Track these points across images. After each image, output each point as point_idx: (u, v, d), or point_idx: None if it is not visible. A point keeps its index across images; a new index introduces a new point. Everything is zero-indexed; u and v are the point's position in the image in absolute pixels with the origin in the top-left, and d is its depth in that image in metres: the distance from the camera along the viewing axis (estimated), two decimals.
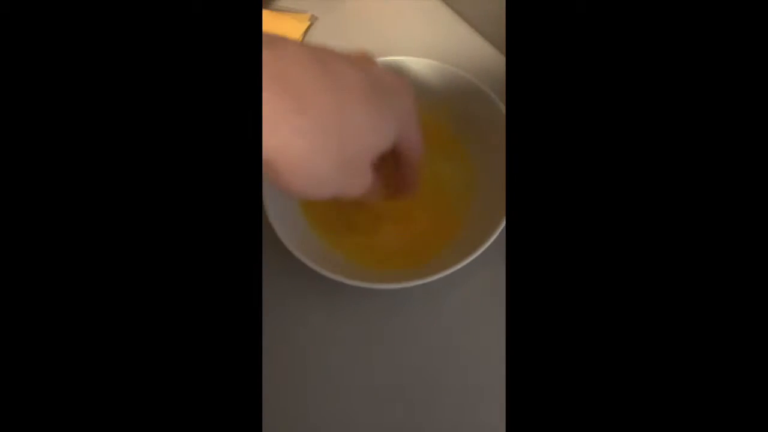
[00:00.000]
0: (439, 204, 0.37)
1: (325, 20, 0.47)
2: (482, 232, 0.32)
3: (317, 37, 0.46)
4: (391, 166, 0.30)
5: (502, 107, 0.35)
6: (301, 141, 0.22)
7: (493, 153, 0.36)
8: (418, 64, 0.37)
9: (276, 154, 0.21)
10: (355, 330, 0.34)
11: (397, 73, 0.27)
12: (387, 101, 0.25)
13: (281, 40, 0.22)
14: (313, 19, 0.47)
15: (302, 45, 0.23)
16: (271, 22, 0.46)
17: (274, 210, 0.33)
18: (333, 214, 0.36)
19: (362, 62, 0.25)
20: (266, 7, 0.48)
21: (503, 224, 0.32)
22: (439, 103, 0.38)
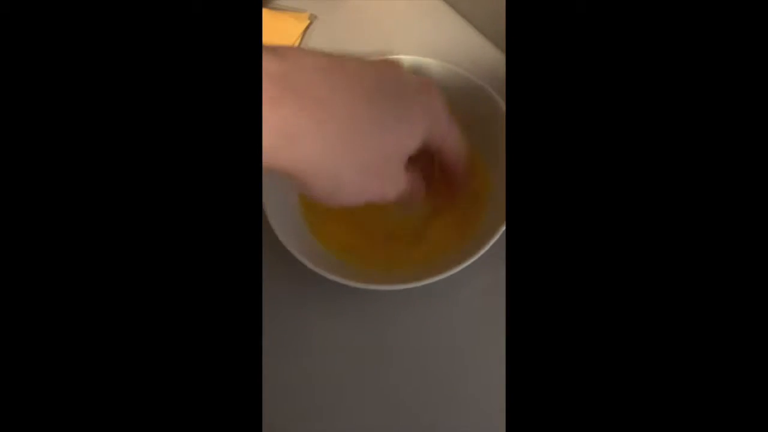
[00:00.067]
0: (440, 204, 0.37)
1: (324, 19, 0.47)
2: (483, 232, 0.32)
3: (317, 37, 0.46)
4: (431, 168, 0.29)
5: (503, 105, 0.35)
6: (322, 150, 0.21)
7: (494, 152, 0.36)
8: (418, 63, 0.37)
9: (301, 165, 0.21)
10: (355, 331, 0.34)
11: (420, 74, 0.27)
12: (410, 101, 0.25)
13: (295, 51, 0.22)
14: (312, 18, 0.47)
15: (318, 52, 0.23)
16: (270, 21, 0.46)
17: (274, 211, 0.33)
18: (333, 216, 0.36)
19: (384, 65, 0.25)
20: (265, 6, 0.48)
21: (504, 225, 0.32)
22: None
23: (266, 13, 0.46)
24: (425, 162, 0.28)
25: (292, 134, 0.20)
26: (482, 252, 0.31)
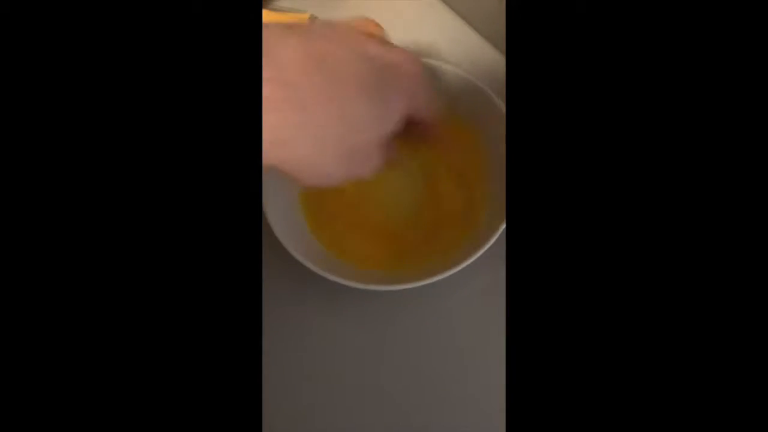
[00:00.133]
0: (440, 205, 0.37)
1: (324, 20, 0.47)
2: (483, 232, 0.32)
3: None
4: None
5: (502, 107, 0.35)
6: (302, 137, 0.22)
7: (493, 153, 0.36)
8: None
9: (278, 150, 0.21)
10: (355, 331, 0.34)
11: (404, 49, 0.26)
12: (390, 84, 0.25)
13: (278, 35, 0.21)
14: (312, 19, 0.47)
15: (299, 36, 0.22)
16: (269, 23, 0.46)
17: (274, 211, 0.33)
18: (333, 216, 0.36)
19: (363, 44, 0.24)
20: (265, 7, 0.48)
21: (503, 225, 0.32)
22: (438, 102, 0.38)
23: (266, 14, 0.46)
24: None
25: (268, 117, 0.20)
26: (482, 252, 0.31)
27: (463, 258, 0.31)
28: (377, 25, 0.26)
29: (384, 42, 0.26)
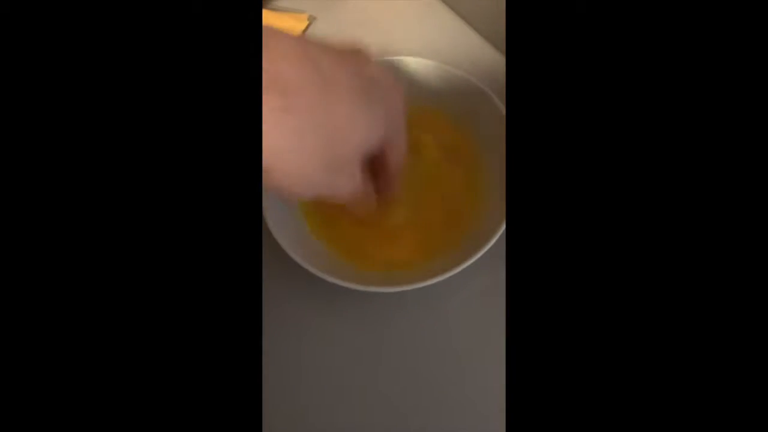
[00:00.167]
0: (440, 206, 0.37)
1: (323, 20, 0.47)
2: (483, 234, 0.32)
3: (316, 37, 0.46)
4: (370, 171, 0.29)
5: (502, 107, 0.35)
6: (289, 139, 0.21)
7: (493, 153, 0.36)
8: (416, 64, 0.37)
9: (264, 152, 0.21)
10: (355, 333, 0.34)
11: (390, 72, 0.27)
12: (377, 99, 0.25)
13: (272, 36, 0.21)
14: (311, 19, 0.47)
15: (293, 39, 0.22)
16: (269, 22, 0.46)
17: (274, 212, 0.33)
18: (333, 216, 0.36)
19: (354, 59, 0.25)
20: (265, 7, 0.48)
21: (503, 226, 0.32)
22: (437, 103, 0.38)
23: (265, 14, 0.46)
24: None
25: (267, 137, 0.20)
26: (482, 252, 0.31)
27: (463, 259, 0.31)
28: (366, 50, 0.27)
29: (366, 58, 0.26)
